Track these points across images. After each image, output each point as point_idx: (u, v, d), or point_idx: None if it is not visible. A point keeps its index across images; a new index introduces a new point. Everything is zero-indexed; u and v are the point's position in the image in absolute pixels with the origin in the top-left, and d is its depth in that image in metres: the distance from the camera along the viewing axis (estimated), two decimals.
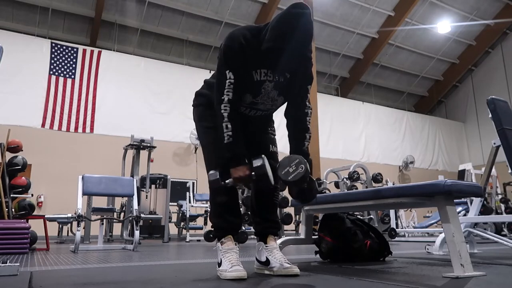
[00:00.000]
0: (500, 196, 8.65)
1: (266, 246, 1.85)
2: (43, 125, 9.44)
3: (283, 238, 2.55)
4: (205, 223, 7.62)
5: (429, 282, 1.53)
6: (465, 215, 4.89)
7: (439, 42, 14.74)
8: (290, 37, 1.56)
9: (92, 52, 10.40)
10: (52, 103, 9.65)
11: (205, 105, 1.90)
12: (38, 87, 9.54)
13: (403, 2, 12.78)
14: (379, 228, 5.01)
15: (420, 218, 10.15)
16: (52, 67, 9.84)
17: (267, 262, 1.81)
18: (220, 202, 1.82)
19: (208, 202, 7.41)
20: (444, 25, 13.87)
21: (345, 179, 6.64)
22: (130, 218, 4.42)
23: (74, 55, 10.14)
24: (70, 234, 7.56)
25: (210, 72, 10.72)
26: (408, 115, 15.96)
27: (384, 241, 2.59)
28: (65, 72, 9.95)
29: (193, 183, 8.33)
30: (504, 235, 6.12)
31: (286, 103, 1.87)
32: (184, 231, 7.63)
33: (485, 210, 6.14)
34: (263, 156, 1.58)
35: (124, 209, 7.00)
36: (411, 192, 1.79)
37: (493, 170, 6.89)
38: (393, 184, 7.69)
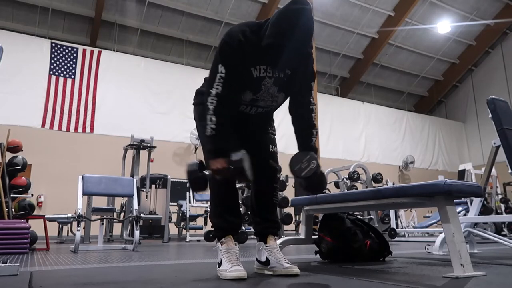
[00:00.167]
0: (500, 196, 8.65)
1: (266, 246, 1.84)
2: (43, 125, 9.44)
3: (283, 238, 2.55)
4: (205, 223, 7.61)
5: (429, 282, 1.53)
6: (465, 215, 4.89)
7: (439, 42, 14.74)
8: (291, 33, 1.55)
9: (92, 52, 10.40)
10: (52, 103, 9.65)
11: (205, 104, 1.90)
12: (38, 87, 9.54)
13: (403, 2, 12.78)
14: (379, 228, 5.01)
15: (420, 218, 10.15)
16: (52, 67, 9.84)
17: (267, 262, 1.81)
18: (220, 202, 1.83)
19: (208, 202, 7.42)
20: (444, 25, 13.87)
21: (345, 179, 6.65)
22: (130, 218, 4.42)
23: (74, 55, 10.14)
24: (70, 234, 7.56)
25: None
26: (408, 115, 15.96)
27: (384, 241, 2.59)
28: (65, 72, 9.95)
29: None
30: (504, 235, 6.12)
31: (289, 100, 1.87)
32: (184, 231, 7.63)
33: (485, 210, 6.14)
34: (243, 151, 1.59)
35: (124, 209, 7.00)
36: (411, 192, 1.79)
37: (493, 170, 6.89)
38: (393, 184, 7.69)
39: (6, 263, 1.90)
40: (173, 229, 7.95)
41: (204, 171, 1.63)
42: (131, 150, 6.90)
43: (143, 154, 6.91)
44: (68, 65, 10.02)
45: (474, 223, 3.18)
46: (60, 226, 6.64)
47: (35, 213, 4.68)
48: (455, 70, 16.14)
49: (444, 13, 13.66)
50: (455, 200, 1.78)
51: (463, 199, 6.37)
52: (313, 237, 2.59)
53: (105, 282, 1.67)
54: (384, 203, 1.95)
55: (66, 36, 11.08)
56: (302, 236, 2.57)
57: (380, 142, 14.70)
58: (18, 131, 7.38)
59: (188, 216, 7.00)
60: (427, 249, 3.13)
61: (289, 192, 6.31)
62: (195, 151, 11.01)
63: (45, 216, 4.71)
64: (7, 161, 4.46)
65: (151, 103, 10.77)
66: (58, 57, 9.95)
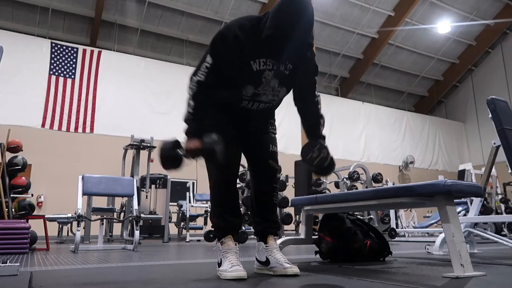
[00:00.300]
0: (500, 196, 8.65)
1: (266, 246, 1.84)
2: (43, 125, 9.44)
3: (283, 238, 2.55)
4: (205, 223, 7.62)
5: (429, 282, 1.53)
6: (465, 215, 4.89)
7: (439, 42, 14.74)
8: (290, 24, 1.56)
9: (92, 52, 10.40)
10: (52, 103, 9.65)
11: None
12: (38, 87, 9.54)
13: (403, 2, 12.78)
14: (379, 228, 5.01)
15: (420, 218, 10.15)
16: (52, 67, 9.84)
17: (267, 262, 1.81)
18: (220, 202, 1.83)
19: (208, 202, 7.42)
20: (444, 25, 13.87)
21: (345, 179, 6.65)
22: (130, 218, 4.42)
23: (74, 55, 10.14)
24: (70, 234, 7.56)
25: None
26: (408, 115, 15.96)
27: (384, 241, 2.59)
28: (65, 72, 9.95)
29: (193, 183, 8.33)
30: (504, 235, 6.12)
31: (293, 94, 1.89)
32: (184, 231, 7.63)
33: (485, 210, 6.15)
34: (217, 135, 1.62)
35: (124, 209, 7.00)
36: (411, 192, 1.79)
37: (493, 170, 6.89)
38: (393, 184, 7.69)
39: (6, 263, 1.90)
40: (173, 229, 7.95)
41: (178, 150, 1.66)
42: (131, 150, 6.90)
43: (143, 154, 6.91)
44: (68, 65, 10.03)
45: (474, 223, 3.18)
46: (60, 226, 6.64)
47: (35, 213, 4.68)
48: (455, 70, 16.14)
49: (444, 13, 13.66)
50: (455, 200, 1.78)
51: (463, 199, 6.37)
52: (313, 237, 2.59)
53: (105, 282, 1.67)
54: (384, 203, 1.95)
55: (66, 36, 11.08)
56: (302, 236, 2.57)
57: (380, 142, 14.70)
58: (18, 131, 7.38)
59: (188, 216, 7.00)
60: (427, 249, 3.13)
61: (289, 192, 6.31)
62: None
63: (45, 216, 4.71)
64: (7, 161, 4.46)
65: (151, 103, 10.77)
66: (58, 57, 9.95)
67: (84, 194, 4.05)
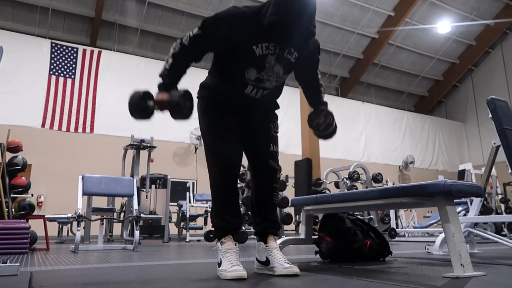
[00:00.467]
0: (500, 196, 8.65)
1: (266, 246, 1.84)
2: (43, 125, 9.45)
3: (283, 238, 2.54)
4: (205, 223, 7.62)
5: (429, 282, 1.53)
6: (465, 215, 4.89)
7: (439, 42, 14.74)
8: (293, 11, 1.58)
9: (92, 52, 10.40)
10: (52, 103, 9.65)
11: (208, 99, 1.90)
12: (38, 87, 9.55)
13: (403, 2, 12.78)
14: (379, 228, 5.01)
15: (420, 218, 10.16)
16: (52, 67, 9.84)
17: (267, 262, 1.81)
18: (220, 202, 1.83)
19: (208, 202, 7.43)
20: (444, 25, 13.87)
21: (345, 179, 6.65)
22: (130, 218, 4.42)
23: (74, 55, 10.14)
24: (70, 234, 7.56)
25: None
26: (408, 115, 15.96)
27: (384, 241, 2.58)
28: (65, 72, 9.95)
29: (193, 183, 8.34)
30: (504, 235, 6.12)
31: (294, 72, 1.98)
32: (184, 231, 7.63)
33: (485, 210, 6.15)
34: (187, 90, 1.69)
35: (124, 209, 7.00)
36: (411, 192, 1.79)
37: (493, 170, 6.89)
38: (393, 184, 7.69)
39: (6, 263, 1.90)
40: (173, 229, 7.95)
41: (148, 101, 1.71)
42: (131, 150, 6.90)
43: (143, 154, 6.91)
44: (68, 65, 10.03)
45: (474, 223, 3.18)
46: (60, 226, 6.64)
47: (35, 213, 4.68)
48: (455, 70, 16.14)
49: (444, 13, 13.66)
50: (455, 200, 1.78)
51: (463, 199, 6.37)
52: (313, 237, 2.59)
53: (105, 282, 1.67)
54: (384, 203, 1.95)
55: (66, 36, 11.08)
56: (302, 236, 2.57)
57: (380, 142, 14.70)
58: (18, 131, 7.38)
59: (188, 216, 7.00)
60: (427, 249, 3.13)
61: (289, 192, 6.31)
62: (195, 151, 11.01)
63: (45, 216, 4.71)
64: (7, 161, 4.46)
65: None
66: (58, 57, 9.95)
67: (84, 194, 4.05)
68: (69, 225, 7.06)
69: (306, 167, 7.60)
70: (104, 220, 5.09)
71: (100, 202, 6.41)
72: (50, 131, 9.48)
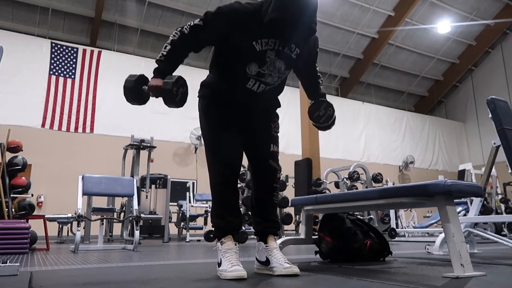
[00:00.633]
0: (500, 196, 8.65)
1: (266, 246, 1.84)
2: (43, 125, 9.44)
3: (283, 238, 2.54)
4: (205, 223, 7.62)
5: (429, 282, 1.53)
6: (465, 215, 4.89)
7: (439, 42, 14.74)
8: (293, 7, 1.59)
9: (92, 52, 10.40)
10: (52, 103, 9.65)
11: (209, 98, 1.90)
12: (38, 87, 9.54)
13: (403, 2, 12.77)
14: (379, 228, 5.01)
15: (420, 218, 10.16)
16: (52, 67, 9.84)
17: (267, 262, 1.81)
18: (221, 202, 1.83)
19: (208, 202, 7.43)
20: (444, 25, 13.86)
21: (345, 179, 6.65)
22: (130, 218, 4.42)
23: (74, 55, 10.14)
24: (70, 234, 7.56)
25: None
26: (408, 115, 15.96)
27: (384, 241, 2.58)
28: (65, 72, 9.95)
29: (193, 183, 8.34)
30: (504, 235, 6.12)
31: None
32: (184, 231, 7.63)
33: (485, 210, 6.15)
34: (180, 76, 1.67)
35: (124, 209, 7.00)
36: (411, 192, 1.79)
37: (493, 170, 6.89)
38: (393, 184, 7.69)
39: (6, 263, 1.90)
40: (173, 229, 7.95)
41: (142, 86, 1.71)
42: (131, 150, 6.90)
43: (143, 154, 6.91)
44: (68, 65, 10.02)
45: (474, 223, 3.18)
46: (60, 226, 6.64)
47: (35, 213, 4.68)
48: (455, 70, 16.14)
49: (444, 13, 13.66)
50: (455, 200, 1.78)
51: (463, 199, 6.37)
52: (313, 237, 2.59)
53: (105, 282, 1.67)
54: (384, 203, 1.95)
55: (66, 36, 11.08)
56: (302, 236, 2.57)
57: (380, 142, 14.70)
58: (18, 131, 7.38)
59: (188, 216, 7.00)
60: (427, 249, 3.13)
61: (289, 192, 6.31)
62: (195, 151, 11.01)
63: (45, 216, 4.71)
64: (7, 161, 4.46)
65: (151, 103, 10.65)
66: (58, 57, 9.95)
67: (84, 194, 4.05)
68: (69, 225, 7.06)
69: (306, 167, 7.60)
70: (104, 220, 5.09)
71: (100, 202, 6.41)
72: (50, 131, 9.48)
